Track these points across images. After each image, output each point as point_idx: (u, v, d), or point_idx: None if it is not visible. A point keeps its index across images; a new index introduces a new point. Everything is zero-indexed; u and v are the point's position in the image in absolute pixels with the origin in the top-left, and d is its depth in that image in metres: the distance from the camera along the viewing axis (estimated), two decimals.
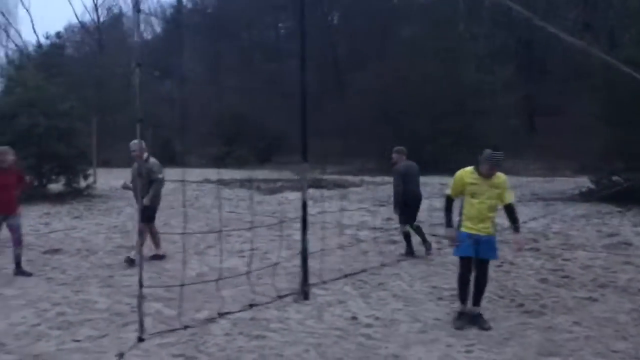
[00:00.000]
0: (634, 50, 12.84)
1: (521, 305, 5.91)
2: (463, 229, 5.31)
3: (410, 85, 26.62)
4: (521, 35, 34.65)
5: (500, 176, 5.32)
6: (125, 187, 8.02)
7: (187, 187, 18.00)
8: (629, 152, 13.53)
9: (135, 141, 7.86)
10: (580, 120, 20.44)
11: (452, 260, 8.05)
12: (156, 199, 7.89)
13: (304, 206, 3.82)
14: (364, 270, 6.98)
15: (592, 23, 28.90)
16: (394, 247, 8.86)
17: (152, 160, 7.88)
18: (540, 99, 33.44)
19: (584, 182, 15.70)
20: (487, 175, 5.26)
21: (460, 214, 5.37)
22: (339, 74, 39.97)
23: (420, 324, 5.31)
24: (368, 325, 5.24)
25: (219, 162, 31.66)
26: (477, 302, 5.39)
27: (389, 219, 11.19)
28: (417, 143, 25.32)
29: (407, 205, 8.26)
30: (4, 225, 7.13)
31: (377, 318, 5.45)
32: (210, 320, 5.10)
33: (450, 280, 6.92)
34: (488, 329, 5.14)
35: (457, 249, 5.37)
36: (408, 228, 8.33)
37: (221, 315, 3.58)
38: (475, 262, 5.30)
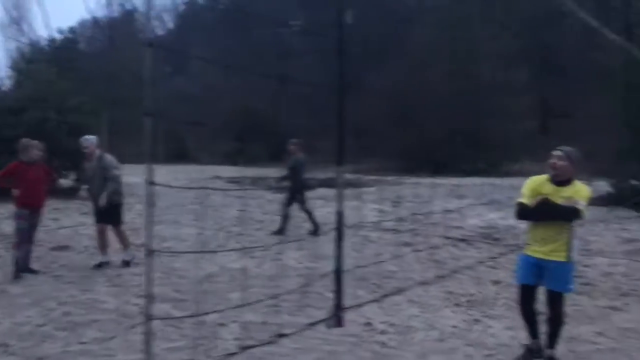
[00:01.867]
0: None
1: (541, 313, 5.69)
2: (525, 251, 4.44)
3: (426, 86, 26.37)
4: (537, 37, 34.26)
5: (578, 185, 4.22)
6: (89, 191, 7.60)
7: (197, 185, 17.88)
8: None
9: (88, 137, 7.60)
10: (596, 122, 20.14)
11: (466, 264, 7.86)
12: (117, 197, 7.47)
13: (340, 217, 3.37)
14: (402, 290, 6.74)
15: (609, 22, 28.46)
16: (409, 250, 8.67)
17: (108, 156, 7.47)
18: (555, 100, 33.07)
19: (601, 185, 15.40)
20: (556, 182, 4.25)
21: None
22: (354, 73, 39.69)
23: (437, 332, 5.11)
24: (383, 332, 5.05)
25: (230, 159, 31.59)
26: (549, 343, 4.40)
27: (400, 219, 11.00)
28: (433, 143, 25.18)
29: (300, 192, 9.86)
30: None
31: (392, 324, 5.26)
32: (222, 323, 4.91)
33: (465, 286, 6.72)
34: None
35: (517, 275, 4.53)
36: (289, 211, 9.80)
37: (244, 349, 3.36)
38: (546, 294, 4.43)
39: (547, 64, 35.26)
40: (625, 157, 14.31)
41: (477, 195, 14.06)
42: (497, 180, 20.33)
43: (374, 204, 13.62)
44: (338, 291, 3.78)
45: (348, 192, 13.59)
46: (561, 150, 4.25)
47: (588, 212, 4.23)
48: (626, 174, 13.97)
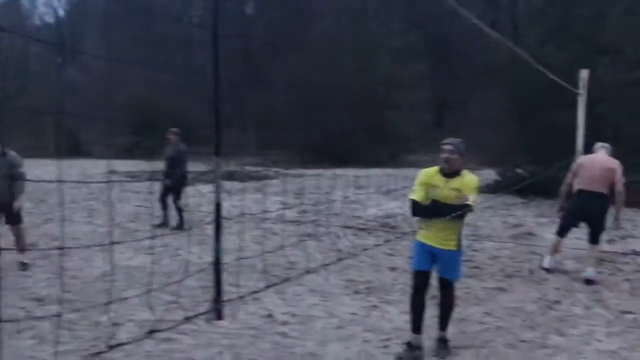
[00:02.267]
0: (539, 49, 13.43)
1: (434, 297, 5.97)
2: (418, 238, 4.48)
3: (328, 79, 26.70)
4: (432, 32, 35.74)
5: (466, 176, 4.36)
6: None
7: (91, 180, 17.07)
8: (532, 146, 14.20)
9: None
10: (486, 115, 21.30)
11: (368, 254, 8.08)
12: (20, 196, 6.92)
13: (218, 208, 3.33)
14: (287, 279, 6.79)
15: (497, 22, 30.22)
16: (311, 240, 8.76)
17: (12, 153, 6.90)
18: (449, 94, 34.64)
19: (490, 174, 16.36)
20: (445, 174, 4.38)
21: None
22: (255, 65, 39.46)
23: (336, 320, 5.22)
24: (284, 323, 5.09)
25: (127, 152, 30.40)
26: (440, 326, 4.57)
27: (304, 211, 11.10)
28: (335, 136, 25.60)
29: (184, 183, 9.85)
30: None
31: (293, 315, 5.31)
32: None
33: (364, 273, 6.91)
34: (443, 357, 4.42)
35: (413, 261, 4.55)
36: (180, 203, 9.70)
37: (112, 347, 3.18)
38: (437, 280, 4.54)
39: (442, 59, 36.88)
40: (512, 148, 15.28)
41: (376, 185, 14.47)
42: (395, 171, 21.00)
43: (277, 196, 13.65)
44: (217, 284, 3.74)
45: (250, 184, 13.57)
46: (451, 144, 4.34)
47: (478, 203, 4.36)
48: (512, 163, 14.94)
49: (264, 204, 11.82)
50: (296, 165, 22.28)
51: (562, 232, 7.10)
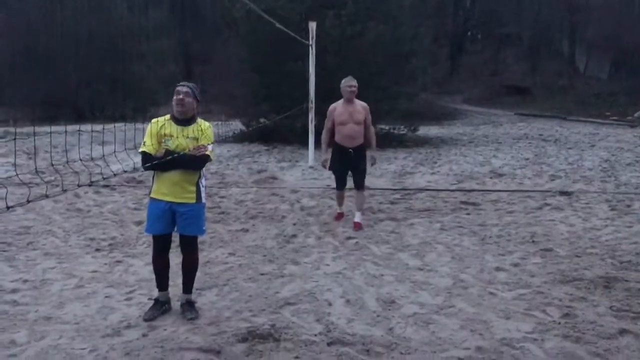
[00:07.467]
0: (273, 1, 13.96)
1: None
2: (153, 195, 4.18)
3: (62, 27, 24.17)
4: None
5: (201, 123, 4.17)
6: None
7: None
8: (273, 96, 14.92)
9: None
10: (231, 67, 21.68)
11: (110, 210, 7.78)
12: None
13: None
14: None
15: None
16: (47, 202, 8.10)
17: None
18: (195, 45, 34.27)
19: (236, 124, 16.82)
20: (179, 121, 4.13)
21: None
22: None
23: (75, 280, 4.98)
24: (14, 291, 4.68)
25: None
26: (185, 289, 4.34)
27: (38, 171, 10.14)
28: (74, 89, 23.52)
29: None
30: None
31: (25, 281, 4.91)
32: None
33: (108, 231, 6.68)
34: (192, 319, 4.13)
35: (147, 224, 4.26)
36: None
37: None
38: (179, 239, 4.29)
39: (184, 9, 36.12)
40: (255, 98, 15.85)
41: (122, 140, 13.80)
42: (142, 125, 20.27)
43: (4, 157, 12.22)
44: None
45: None
46: (186, 85, 4.14)
47: (215, 152, 4.26)
48: (257, 114, 15.56)
49: None
50: (27, 123, 20.06)
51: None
